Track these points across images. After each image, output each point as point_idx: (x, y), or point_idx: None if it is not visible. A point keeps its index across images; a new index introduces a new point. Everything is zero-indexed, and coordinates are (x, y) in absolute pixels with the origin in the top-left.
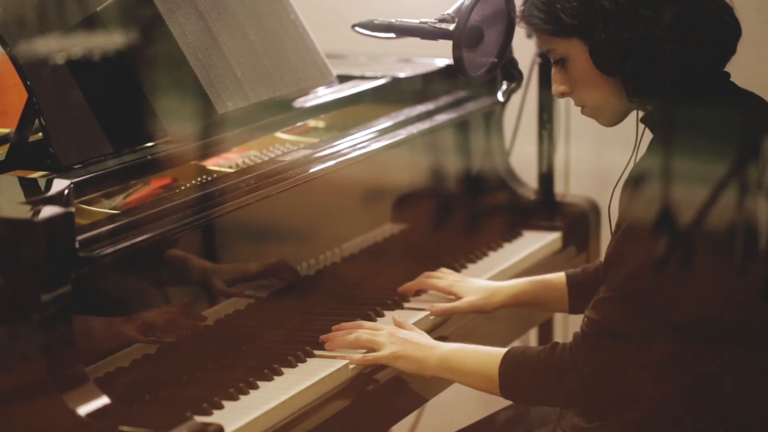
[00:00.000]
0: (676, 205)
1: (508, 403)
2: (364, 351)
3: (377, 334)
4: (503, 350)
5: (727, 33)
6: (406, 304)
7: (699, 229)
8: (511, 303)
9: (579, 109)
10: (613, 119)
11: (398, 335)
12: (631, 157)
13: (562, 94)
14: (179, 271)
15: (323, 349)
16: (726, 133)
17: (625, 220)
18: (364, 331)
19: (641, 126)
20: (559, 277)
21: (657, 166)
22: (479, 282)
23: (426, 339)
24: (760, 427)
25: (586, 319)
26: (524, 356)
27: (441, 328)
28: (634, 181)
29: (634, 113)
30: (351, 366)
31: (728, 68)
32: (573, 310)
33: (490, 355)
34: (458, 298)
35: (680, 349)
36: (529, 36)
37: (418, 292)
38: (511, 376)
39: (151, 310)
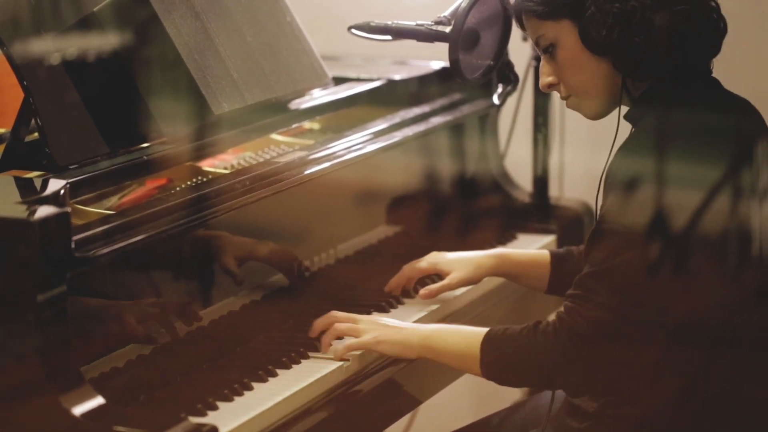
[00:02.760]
0: (657, 196)
1: (503, 404)
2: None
3: (357, 322)
4: (485, 329)
5: (713, 20)
6: (401, 305)
7: (675, 220)
8: (494, 272)
9: (574, 112)
10: (597, 108)
11: (378, 321)
12: (610, 154)
13: (549, 86)
14: (178, 260)
15: (318, 350)
16: (708, 129)
17: (608, 206)
18: (343, 323)
19: (624, 123)
20: (543, 254)
21: (640, 160)
22: (460, 255)
23: (407, 323)
24: (751, 428)
25: (568, 296)
26: (505, 334)
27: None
28: (609, 174)
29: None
30: (345, 367)
31: (724, 71)
32: (551, 289)
33: (471, 334)
34: (445, 275)
35: (669, 347)
36: (524, 39)
37: (406, 289)
38: (493, 355)
39: (147, 305)
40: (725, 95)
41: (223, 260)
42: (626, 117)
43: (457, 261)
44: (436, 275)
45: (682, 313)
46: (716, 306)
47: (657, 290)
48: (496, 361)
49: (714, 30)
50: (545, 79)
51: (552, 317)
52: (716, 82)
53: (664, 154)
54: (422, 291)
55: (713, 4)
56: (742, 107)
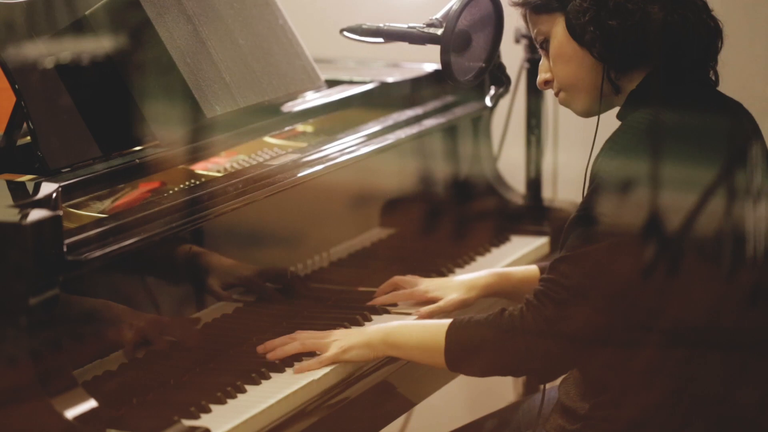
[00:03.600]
0: (637, 190)
1: (497, 406)
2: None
3: (321, 337)
4: (448, 321)
5: (696, 15)
6: (393, 309)
7: (653, 212)
8: (487, 293)
9: (567, 114)
10: (585, 104)
11: (339, 332)
12: (591, 153)
13: (545, 83)
14: (170, 263)
15: (313, 354)
16: (694, 128)
17: (588, 197)
18: (307, 336)
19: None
20: (532, 269)
21: (621, 154)
22: (452, 280)
23: (371, 326)
24: (742, 431)
25: (540, 280)
26: (470, 322)
27: None
28: (600, 164)
29: (611, 116)
30: (338, 370)
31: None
32: None
33: (434, 326)
34: (437, 300)
35: (656, 348)
36: (517, 41)
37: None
38: (458, 344)
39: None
40: (716, 96)
41: (208, 286)
42: (618, 116)
43: (451, 287)
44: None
45: (668, 316)
46: (704, 309)
47: (630, 281)
48: (462, 348)
49: (699, 26)
50: (542, 75)
51: (517, 306)
52: (709, 83)
53: (647, 149)
54: (419, 312)
55: (700, 1)
56: (734, 109)
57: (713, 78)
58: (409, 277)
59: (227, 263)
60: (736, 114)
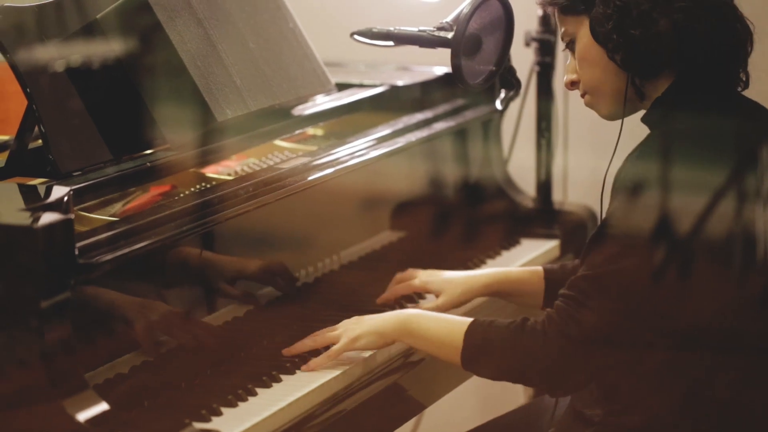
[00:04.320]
0: (666, 203)
1: (507, 408)
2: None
3: (333, 329)
4: (468, 320)
5: (723, 21)
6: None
7: (682, 228)
8: (486, 293)
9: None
10: (609, 107)
11: (352, 321)
12: (612, 158)
13: (572, 84)
14: (181, 266)
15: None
16: (720, 138)
17: (613, 210)
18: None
19: (638, 132)
20: (536, 270)
21: (650, 165)
22: (452, 275)
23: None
24: None
25: (560, 297)
26: (491, 328)
27: None
28: (620, 176)
29: (630, 118)
30: (349, 373)
31: None
32: (547, 305)
33: (454, 323)
34: (436, 296)
35: (671, 354)
36: (527, 44)
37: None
38: (476, 348)
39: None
40: (743, 102)
41: (213, 285)
42: (643, 119)
43: (448, 282)
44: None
45: (683, 321)
46: (719, 313)
47: (656, 299)
48: (479, 350)
49: (726, 33)
50: (568, 76)
51: (541, 317)
52: (735, 88)
53: (678, 162)
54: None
55: (730, 8)
56: (760, 114)
57: (743, 79)
58: (409, 271)
59: (233, 260)
60: (762, 119)
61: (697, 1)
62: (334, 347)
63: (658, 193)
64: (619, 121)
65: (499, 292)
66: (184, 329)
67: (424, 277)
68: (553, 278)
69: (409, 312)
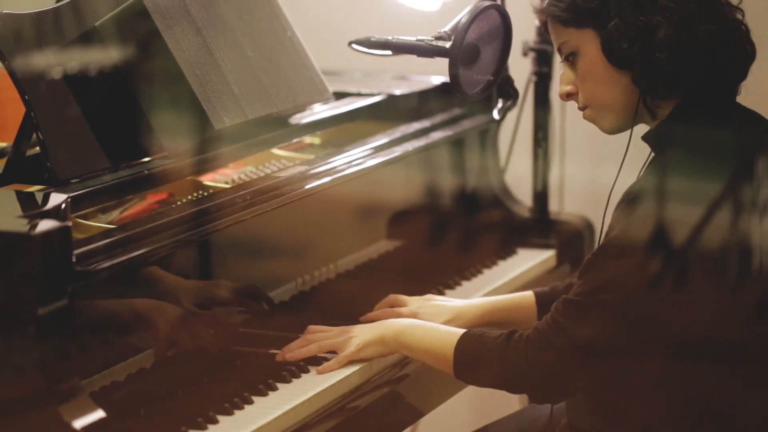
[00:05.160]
0: (668, 225)
1: (502, 413)
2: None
3: (337, 335)
4: (460, 331)
5: (740, 43)
6: None
7: (689, 251)
8: (477, 323)
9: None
10: (614, 123)
11: (356, 328)
12: (618, 172)
13: (568, 96)
14: (149, 287)
15: (318, 364)
16: (726, 155)
17: (612, 232)
18: (322, 336)
19: (639, 142)
20: (527, 296)
21: (655, 187)
22: (444, 304)
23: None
24: None
25: (548, 315)
26: (480, 340)
27: None
28: (630, 199)
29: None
30: (346, 381)
31: None
32: None
33: (447, 334)
34: None
35: (666, 366)
36: (524, 54)
37: None
38: (466, 358)
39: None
40: (746, 116)
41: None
42: (645, 137)
43: (438, 314)
44: None
45: (679, 334)
46: (715, 324)
47: (657, 318)
48: (468, 364)
49: (741, 54)
50: (564, 87)
51: (528, 332)
52: (739, 105)
53: (696, 189)
54: None
55: (743, 28)
56: (763, 127)
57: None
58: (401, 297)
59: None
60: (762, 130)
61: (718, 23)
62: (343, 354)
63: (663, 226)
64: (617, 131)
65: (491, 322)
66: (201, 326)
67: (414, 306)
68: (544, 302)
69: (404, 323)
